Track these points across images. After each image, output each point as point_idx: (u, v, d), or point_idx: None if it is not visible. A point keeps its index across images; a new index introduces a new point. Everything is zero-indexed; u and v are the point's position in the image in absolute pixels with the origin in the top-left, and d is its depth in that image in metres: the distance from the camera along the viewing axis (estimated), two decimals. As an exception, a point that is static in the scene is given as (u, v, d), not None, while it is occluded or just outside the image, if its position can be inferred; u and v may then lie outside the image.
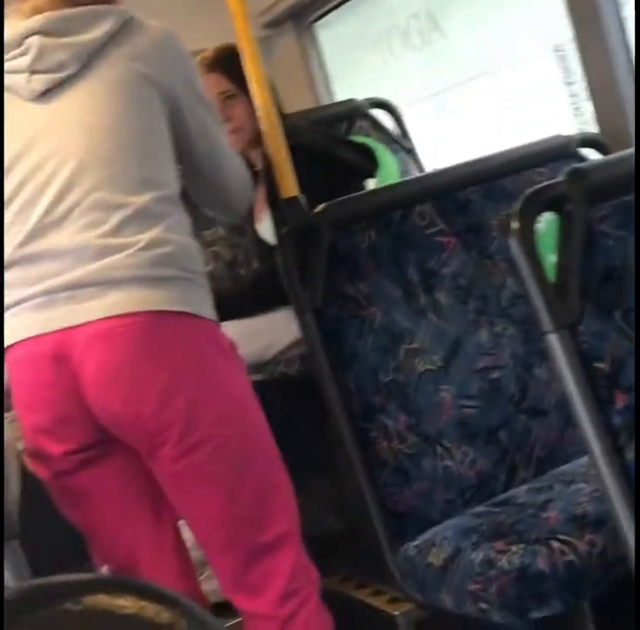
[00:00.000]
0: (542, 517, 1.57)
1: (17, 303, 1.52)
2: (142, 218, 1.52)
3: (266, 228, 2.42)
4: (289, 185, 1.85)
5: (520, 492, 1.74)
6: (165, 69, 1.59)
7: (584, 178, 1.34)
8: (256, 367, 2.19)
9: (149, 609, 0.37)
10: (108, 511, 1.58)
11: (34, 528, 1.68)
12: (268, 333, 2.23)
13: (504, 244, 1.92)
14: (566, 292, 1.28)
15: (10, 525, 1.05)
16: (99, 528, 1.60)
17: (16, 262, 1.53)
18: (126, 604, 0.37)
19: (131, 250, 1.50)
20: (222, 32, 2.04)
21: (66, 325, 1.48)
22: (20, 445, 1.63)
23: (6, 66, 1.57)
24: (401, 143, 2.78)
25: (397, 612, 1.90)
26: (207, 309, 1.57)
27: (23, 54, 1.56)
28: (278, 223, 2.20)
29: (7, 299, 1.54)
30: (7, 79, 1.58)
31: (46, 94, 1.56)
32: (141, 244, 1.50)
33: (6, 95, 1.58)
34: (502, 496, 1.76)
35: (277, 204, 2.17)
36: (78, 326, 1.48)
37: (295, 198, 1.83)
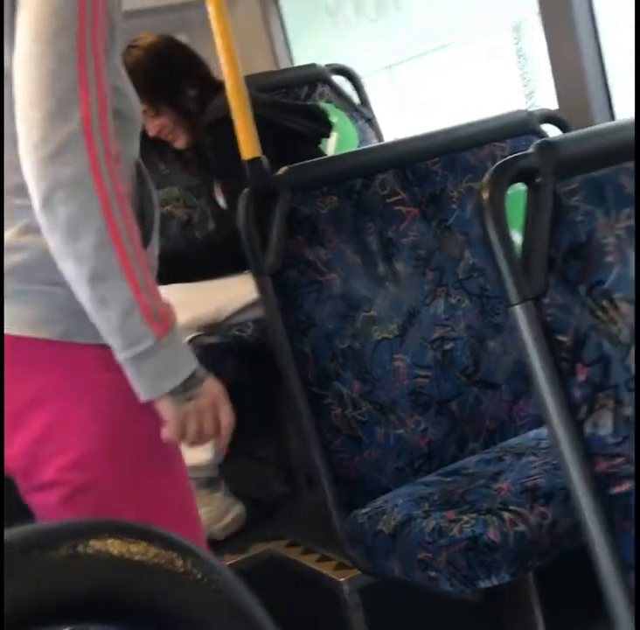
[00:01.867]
0: (493, 488, 1.58)
1: None
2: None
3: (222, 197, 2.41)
4: (253, 147, 1.82)
5: (470, 462, 1.76)
6: None
7: (554, 151, 1.34)
8: (210, 329, 2.17)
9: (164, 556, 0.36)
10: None
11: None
12: (222, 296, 2.21)
13: (463, 216, 1.93)
14: (532, 265, 1.28)
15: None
16: None
17: None
18: (139, 549, 0.35)
19: None
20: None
21: None
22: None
23: None
24: (361, 112, 2.76)
25: (342, 579, 1.91)
26: (80, 330, 1.22)
27: None
28: (232, 188, 2.18)
29: None
30: None
31: None
32: None
33: None
34: (452, 466, 1.77)
35: (229, 170, 2.15)
36: None
37: (257, 159, 1.80)
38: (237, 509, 2.21)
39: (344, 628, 1.93)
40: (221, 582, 0.36)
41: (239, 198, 1.79)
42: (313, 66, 2.82)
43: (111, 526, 0.36)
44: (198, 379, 1.23)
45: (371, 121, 2.78)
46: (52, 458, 1.23)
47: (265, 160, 1.84)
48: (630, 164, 1.34)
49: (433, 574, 1.51)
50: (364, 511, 1.68)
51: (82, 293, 1.17)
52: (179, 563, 0.36)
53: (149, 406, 1.23)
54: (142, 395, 1.21)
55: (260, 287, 1.79)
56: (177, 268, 2.12)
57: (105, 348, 1.21)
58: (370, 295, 1.81)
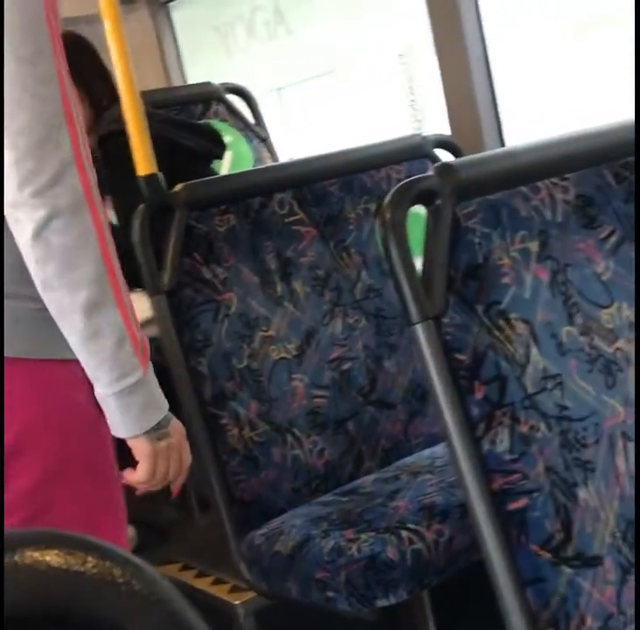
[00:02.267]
0: (391, 506, 1.59)
1: None
2: None
3: (112, 213, 2.36)
4: (148, 162, 1.80)
5: (367, 481, 1.77)
6: None
7: (453, 174, 1.36)
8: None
9: (102, 567, 0.34)
10: None
11: None
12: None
13: (360, 237, 1.95)
14: (432, 285, 1.30)
15: None
16: None
17: None
18: (77, 560, 0.34)
19: None
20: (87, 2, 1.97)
21: None
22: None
23: None
24: (256, 132, 2.76)
25: (237, 602, 1.88)
26: (42, 344, 1.18)
27: None
28: (125, 205, 2.14)
29: None
30: None
31: None
32: None
33: None
34: (348, 485, 1.78)
35: (123, 184, 2.11)
36: None
37: (154, 175, 1.78)
38: (127, 532, 2.16)
39: (239, 652, 1.91)
40: (161, 592, 0.35)
41: (133, 214, 1.76)
42: (208, 84, 2.81)
43: (48, 536, 0.34)
44: (167, 418, 1.20)
45: (265, 140, 2.78)
46: (10, 481, 1.17)
47: (161, 176, 1.82)
48: (525, 189, 1.38)
49: (331, 594, 1.51)
50: (260, 532, 1.67)
51: (74, 323, 1.11)
52: (118, 573, 0.34)
53: (97, 424, 1.19)
54: (124, 431, 1.16)
55: (156, 305, 1.76)
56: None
57: (64, 364, 1.17)
58: (268, 314, 1.81)
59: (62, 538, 0.34)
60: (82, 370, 1.20)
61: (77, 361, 1.19)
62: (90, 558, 0.34)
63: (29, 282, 1.14)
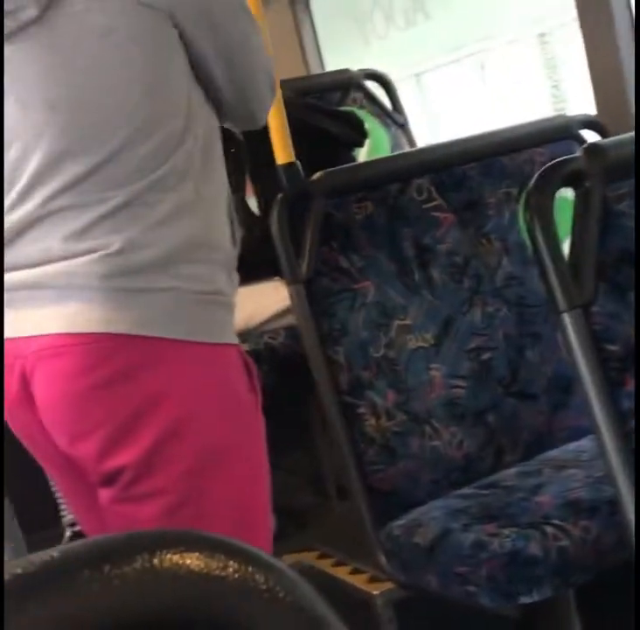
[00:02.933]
0: (534, 501, 1.54)
1: None
2: (122, 214, 1.18)
3: (253, 201, 2.37)
4: (287, 151, 1.80)
5: (508, 475, 1.72)
6: None
7: (603, 155, 1.30)
8: (241, 336, 2.14)
9: (244, 572, 0.32)
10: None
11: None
12: (253, 303, 2.18)
13: (501, 223, 1.89)
14: (581, 271, 1.24)
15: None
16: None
17: None
18: (218, 564, 0.32)
19: (100, 254, 1.17)
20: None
21: (19, 333, 1.22)
22: None
23: None
24: (394, 118, 2.73)
25: (376, 592, 1.87)
26: (201, 328, 1.22)
27: None
28: (265, 193, 2.16)
29: None
30: None
31: (8, 43, 1.16)
32: (112, 248, 1.17)
33: None
34: (489, 478, 1.73)
35: (264, 173, 2.12)
36: (31, 337, 1.20)
37: (292, 163, 1.78)
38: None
39: (377, 643, 1.89)
40: (304, 600, 0.33)
41: (272, 203, 1.76)
42: (346, 71, 2.80)
43: (188, 538, 0.32)
44: None
45: (403, 126, 2.75)
46: (166, 466, 1.19)
47: (299, 165, 1.81)
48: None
49: (472, 588, 1.47)
50: (399, 523, 1.64)
51: None
52: (260, 578, 0.33)
53: (252, 408, 1.24)
54: None
55: (293, 294, 1.75)
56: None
57: (226, 347, 1.22)
58: (405, 303, 1.78)
59: (203, 540, 0.33)
60: (241, 355, 1.26)
61: (236, 346, 1.24)
62: (231, 562, 0.32)
63: (191, 263, 1.20)
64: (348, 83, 2.73)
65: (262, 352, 2.14)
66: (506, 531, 1.46)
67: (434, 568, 1.53)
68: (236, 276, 1.32)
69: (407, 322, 1.77)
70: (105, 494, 1.24)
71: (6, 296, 1.23)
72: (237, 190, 2.45)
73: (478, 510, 1.57)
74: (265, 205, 2.02)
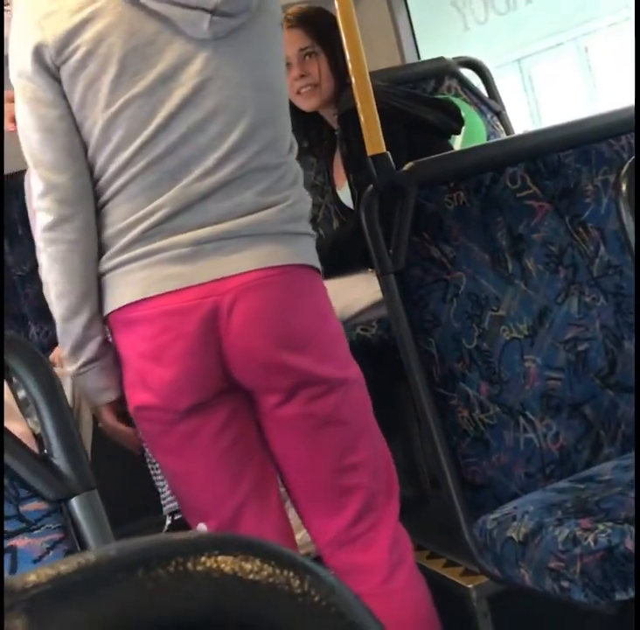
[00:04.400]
0: (631, 496, 1.50)
1: (148, 254, 1.46)
2: (289, 175, 1.55)
3: (346, 193, 2.37)
4: (377, 142, 1.78)
5: (605, 469, 1.68)
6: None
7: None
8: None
9: (279, 575, 0.33)
10: (214, 460, 1.53)
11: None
12: (347, 295, 2.19)
13: (598, 211, 1.85)
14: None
15: (84, 476, 1.02)
16: (202, 479, 1.54)
17: (151, 213, 1.46)
18: (252, 567, 0.33)
19: (282, 206, 1.52)
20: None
21: (214, 277, 1.47)
22: (106, 397, 1.59)
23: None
24: (490, 106, 2.69)
25: (471, 585, 1.85)
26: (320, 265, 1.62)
27: None
28: (358, 184, 2.15)
29: (125, 252, 1.47)
30: (161, 7, 1.41)
31: (217, 39, 1.45)
32: (290, 201, 1.53)
33: (156, 25, 1.42)
34: (585, 472, 1.70)
35: (356, 165, 2.12)
36: (228, 278, 1.47)
37: (383, 154, 1.76)
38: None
39: (472, 636, 1.88)
40: (342, 605, 0.33)
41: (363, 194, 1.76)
42: (440, 59, 2.77)
43: (223, 542, 0.33)
44: None
45: (500, 114, 2.70)
46: (335, 361, 1.55)
47: (389, 156, 1.80)
48: None
49: (565, 584, 1.44)
50: (492, 517, 1.63)
51: None
52: (296, 582, 0.33)
53: None
54: None
55: (385, 285, 1.75)
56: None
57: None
58: (498, 293, 1.75)
59: (237, 543, 0.33)
60: None
61: None
62: (266, 565, 0.33)
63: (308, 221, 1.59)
64: (443, 71, 2.70)
65: (355, 343, 2.14)
66: (602, 526, 1.43)
67: (528, 563, 1.51)
68: None
69: (501, 313, 1.75)
70: (293, 404, 1.51)
71: (190, 250, 1.47)
72: (328, 182, 2.46)
73: (573, 504, 1.54)
74: (358, 196, 2.02)
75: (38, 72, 1.43)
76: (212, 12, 1.42)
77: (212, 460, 1.53)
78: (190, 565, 0.32)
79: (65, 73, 1.43)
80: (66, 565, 0.31)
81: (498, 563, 1.60)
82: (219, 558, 0.32)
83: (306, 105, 2.33)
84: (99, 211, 1.50)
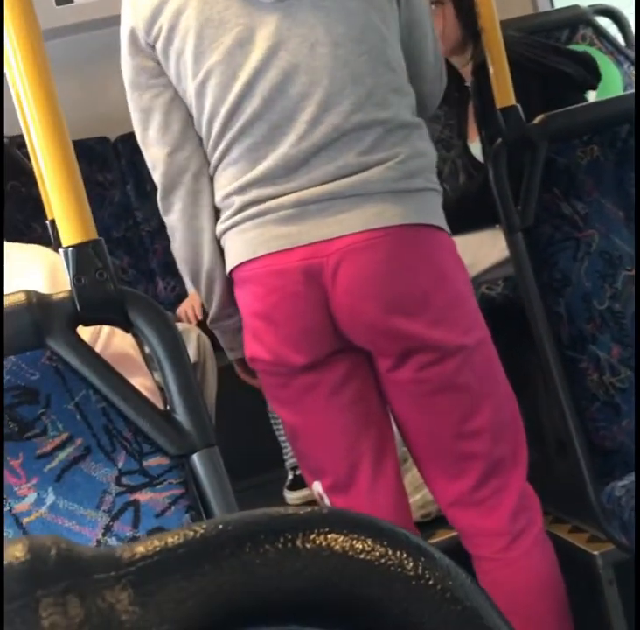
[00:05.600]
0: None
1: (256, 215, 1.47)
2: (398, 130, 1.48)
3: (477, 147, 2.31)
4: (507, 94, 1.72)
5: None
6: None
7: None
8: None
9: (391, 556, 0.31)
10: (331, 416, 1.53)
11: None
12: (472, 252, 2.14)
13: None
14: None
15: (205, 433, 1.03)
16: (319, 435, 1.54)
17: (255, 178, 1.47)
18: (364, 547, 0.31)
19: (390, 163, 1.46)
20: None
21: (319, 238, 1.45)
22: (232, 355, 1.62)
23: None
24: (627, 55, 2.57)
25: (597, 552, 1.81)
26: (445, 221, 1.55)
27: None
28: (490, 136, 2.09)
29: (238, 213, 1.49)
30: None
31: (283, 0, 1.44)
32: (400, 157, 1.47)
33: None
34: None
35: (488, 117, 2.05)
36: (333, 239, 1.45)
37: (513, 107, 1.70)
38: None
39: (598, 603, 1.83)
40: (457, 590, 0.31)
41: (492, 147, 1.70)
42: (575, 7, 2.66)
43: (334, 518, 0.31)
44: None
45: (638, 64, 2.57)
46: (454, 327, 1.49)
47: (520, 109, 1.73)
48: None
49: (697, 557, 1.39)
50: (621, 484, 1.57)
51: None
52: (409, 565, 0.31)
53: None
54: None
55: (512, 243, 1.70)
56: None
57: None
58: (632, 252, 1.68)
59: (349, 521, 0.32)
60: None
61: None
62: (378, 546, 0.31)
63: (433, 173, 1.54)
64: (577, 20, 2.59)
65: (479, 302, 2.09)
66: None
67: (657, 532, 1.46)
68: None
69: (635, 273, 1.67)
70: (407, 368, 1.48)
71: (294, 211, 1.46)
72: (459, 135, 2.40)
73: None
74: (489, 149, 1.96)
75: (132, 53, 1.50)
76: None
77: (329, 416, 1.52)
78: (299, 542, 0.30)
79: (158, 52, 1.48)
80: (174, 538, 0.31)
81: (626, 530, 1.55)
82: (330, 536, 0.31)
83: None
84: (212, 177, 1.53)
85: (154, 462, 0.93)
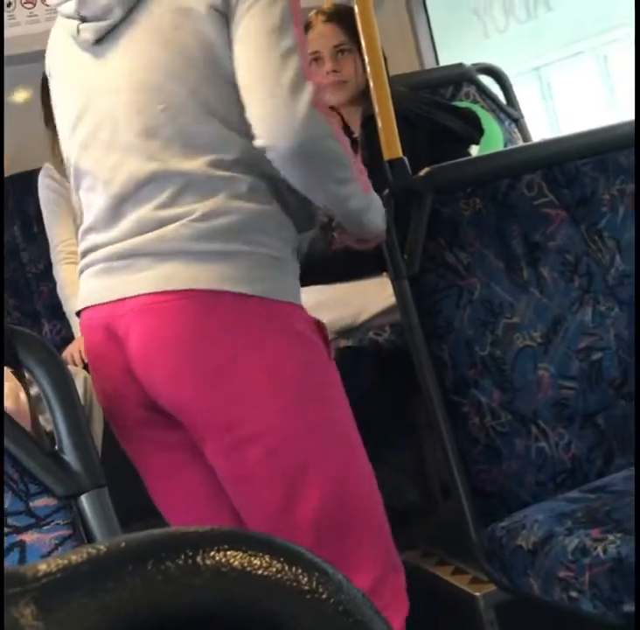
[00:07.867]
0: (642, 507, 1.49)
1: (86, 266, 1.47)
2: (200, 185, 1.35)
3: None
4: (394, 146, 1.79)
5: (616, 479, 1.67)
6: None
7: None
8: (345, 332, 2.14)
9: (288, 572, 0.33)
10: (169, 485, 1.49)
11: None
12: (360, 299, 2.19)
13: (614, 220, 1.84)
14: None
15: (94, 473, 1.03)
16: (162, 499, 1.51)
17: (90, 227, 1.47)
18: (262, 563, 0.32)
19: (184, 221, 1.34)
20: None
21: (118, 296, 1.39)
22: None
23: (60, 9, 1.45)
24: (508, 113, 2.69)
25: (478, 593, 1.85)
26: (278, 288, 1.37)
27: None
28: (377, 187, 2.15)
29: (81, 259, 1.49)
30: (65, 23, 1.45)
31: (99, 43, 1.41)
32: (196, 214, 1.34)
33: (67, 41, 1.47)
34: (596, 482, 1.69)
35: (376, 169, 2.12)
36: (125, 299, 1.37)
37: (399, 159, 1.77)
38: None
39: (479, 645, 1.87)
40: (349, 603, 0.33)
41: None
42: (459, 65, 2.77)
43: (232, 536, 0.33)
44: None
45: (518, 121, 2.70)
46: (255, 411, 1.33)
47: (406, 161, 1.80)
48: None
49: (574, 594, 1.44)
50: (502, 525, 1.62)
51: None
52: (304, 579, 0.32)
53: (330, 360, 1.41)
54: None
55: (399, 290, 1.75)
56: (316, 270, 2.11)
57: (297, 306, 1.39)
58: (512, 300, 1.75)
59: (247, 538, 0.33)
60: (305, 313, 1.42)
61: (300, 306, 1.41)
62: (275, 562, 0.32)
63: (266, 234, 1.36)
64: (461, 77, 2.70)
65: (367, 348, 2.14)
66: (611, 537, 1.42)
67: (536, 572, 1.51)
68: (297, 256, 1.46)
69: (515, 320, 1.74)
70: (207, 452, 1.37)
71: (103, 266, 1.41)
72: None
73: (584, 514, 1.54)
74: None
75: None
76: (82, 19, 1.42)
77: (167, 484, 1.49)
78: (199, 559, 0.32)
79: None
80: (77, 555, 0.31)
81: (507, 571, 1.59)
82: (229, 553, 0.32)
83: (333, 99, 2.33)
84: None
85: (41, 503, 0.92)
